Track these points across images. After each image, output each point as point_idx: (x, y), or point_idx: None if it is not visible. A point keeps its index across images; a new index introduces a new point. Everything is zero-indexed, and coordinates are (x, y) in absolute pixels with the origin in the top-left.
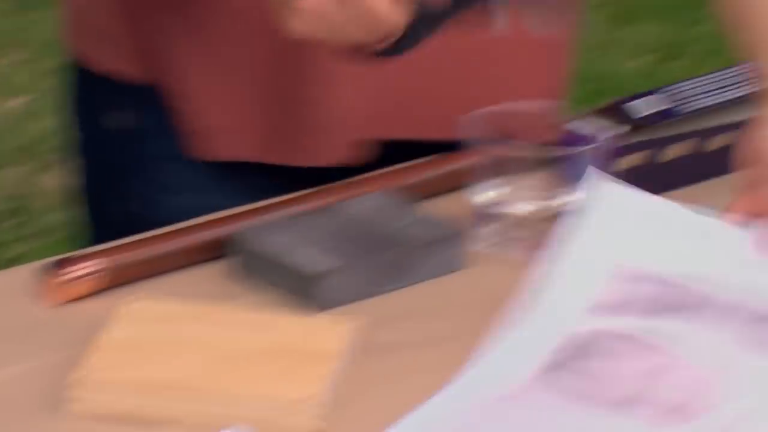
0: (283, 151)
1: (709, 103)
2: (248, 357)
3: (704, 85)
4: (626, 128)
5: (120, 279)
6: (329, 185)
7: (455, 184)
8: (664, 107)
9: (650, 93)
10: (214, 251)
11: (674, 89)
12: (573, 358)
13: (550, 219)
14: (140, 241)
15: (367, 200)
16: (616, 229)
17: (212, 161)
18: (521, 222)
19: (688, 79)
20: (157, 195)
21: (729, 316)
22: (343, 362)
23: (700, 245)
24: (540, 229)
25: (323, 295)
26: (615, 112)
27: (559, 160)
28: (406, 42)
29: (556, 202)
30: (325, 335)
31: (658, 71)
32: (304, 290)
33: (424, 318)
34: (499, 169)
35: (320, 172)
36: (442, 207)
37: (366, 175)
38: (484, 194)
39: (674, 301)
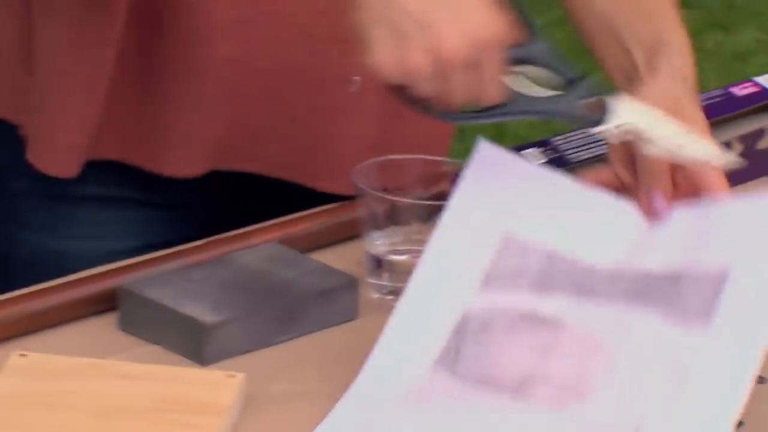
0: (140, 156)
1: (588, 156)
2: (137, 411)
3: (584, 137)
4: None
5: (2, 334)
6: (220, 236)
7: (348, 233)
8: (543, 160)
9: (530, 146)
10: (101, 304)
11: (555, 142)
12: (469, 342)
13: None
14: (24, 294)
15: (259, 251)
16: (502, 200)
17: (76, 198)
18: (413, 270)
19: (568, 132)
20: (19, 233)
21: (617, 284)
22: (234, 416)
23: (585, 215)
24: None
25: (213, 347)
26: None
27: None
28: (477, 117)
29: None
30: (215, 388)
31: (546, 122)
32: (193, 342)
33: (318, 368)
34: (390, 218)
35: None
36: (335, 256)
37: (257, 225)
38: (377, 243)
39: (563, 274)
